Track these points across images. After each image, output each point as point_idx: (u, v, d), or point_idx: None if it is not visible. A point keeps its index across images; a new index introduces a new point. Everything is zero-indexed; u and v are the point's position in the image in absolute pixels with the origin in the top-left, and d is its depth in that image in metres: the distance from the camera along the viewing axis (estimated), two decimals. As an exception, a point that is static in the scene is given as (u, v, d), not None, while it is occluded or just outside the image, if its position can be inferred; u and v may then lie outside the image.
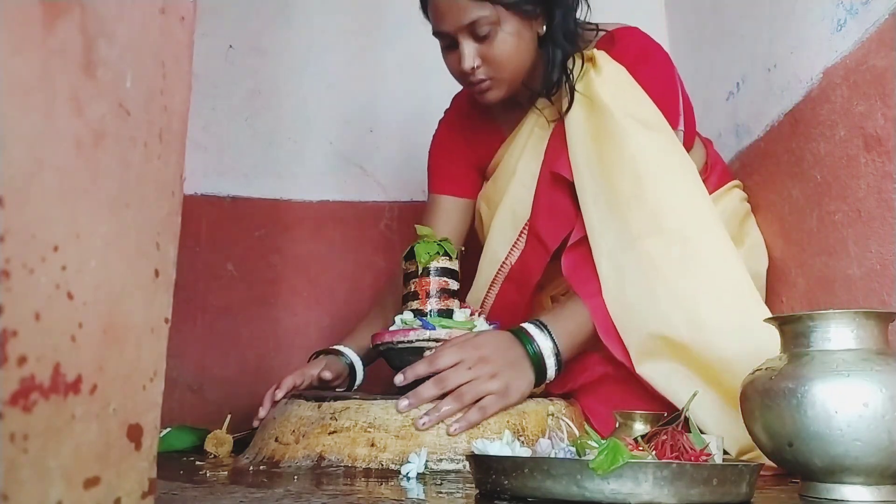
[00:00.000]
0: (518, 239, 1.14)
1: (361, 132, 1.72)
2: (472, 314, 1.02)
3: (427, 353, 0.94)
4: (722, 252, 0.94)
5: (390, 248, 1.66)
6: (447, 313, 1.00)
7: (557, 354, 0.94)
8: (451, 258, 1.03)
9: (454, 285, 1.03)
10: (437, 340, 0.95)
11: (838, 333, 0.65)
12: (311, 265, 1.66)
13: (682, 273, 0.93)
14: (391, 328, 0.99)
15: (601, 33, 1.12)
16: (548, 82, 1.08)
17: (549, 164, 1.08)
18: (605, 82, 1.03)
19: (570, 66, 1.07)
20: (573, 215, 1.04)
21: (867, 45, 0.89)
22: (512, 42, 1.04)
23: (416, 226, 1.08)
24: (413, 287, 1.01)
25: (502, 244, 1.16)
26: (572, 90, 1.05)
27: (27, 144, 0.32)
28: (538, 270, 1.09)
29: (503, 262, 1.15)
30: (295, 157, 1.70)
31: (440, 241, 1.03)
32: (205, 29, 1.65)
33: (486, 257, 1.18)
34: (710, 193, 1.06)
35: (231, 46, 1.71)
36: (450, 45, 1.08)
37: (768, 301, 1.12)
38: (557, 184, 1.06)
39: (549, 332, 0.95)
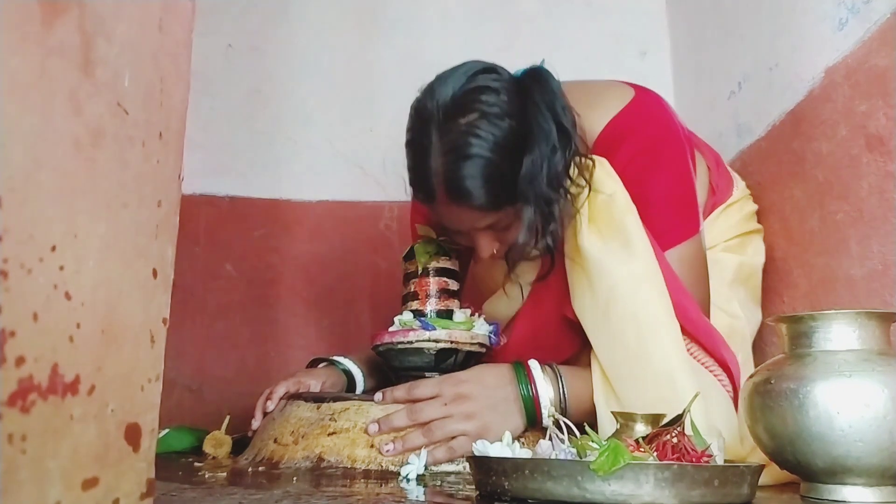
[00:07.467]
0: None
1: (361, 132, 1.71)
2: (472, 314, 1.02)
3: (428, 352, 0.94)
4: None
5: (390, 248, 1.65)
6: (447, 314, 1.00)
7: (562, 403, 0.86)
8: (450, 258, 1.03)
9: (454, 285, 1.02)
10: (436, 341, 0.95)
11: (840, 334, 0.65)
12: (311, 265, 1.66)
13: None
14: (390, 329, 0.98)
15: (603, 121, 0.97)
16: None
17: (558, 308, 0.97)
18: (594, 232, 0.91)
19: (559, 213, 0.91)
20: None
21: (869, 44, 0.89)
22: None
23: (416, 225, 1.07)
24: (413, 287, 1.01)
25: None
26: (552, 254, 0.95)
27: (25, 144, 0.32)
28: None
29: None
30: (294, 157, 1.69)
31: (440, 240, 1.03)
32: (203, 28, 1.63)
33: None
34: (708, 215, 1.06)
35: (230, 45, 1.70)
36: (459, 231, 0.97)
37: (769, 301, 1.12)
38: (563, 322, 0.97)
39: (560, 380, 0.86)
